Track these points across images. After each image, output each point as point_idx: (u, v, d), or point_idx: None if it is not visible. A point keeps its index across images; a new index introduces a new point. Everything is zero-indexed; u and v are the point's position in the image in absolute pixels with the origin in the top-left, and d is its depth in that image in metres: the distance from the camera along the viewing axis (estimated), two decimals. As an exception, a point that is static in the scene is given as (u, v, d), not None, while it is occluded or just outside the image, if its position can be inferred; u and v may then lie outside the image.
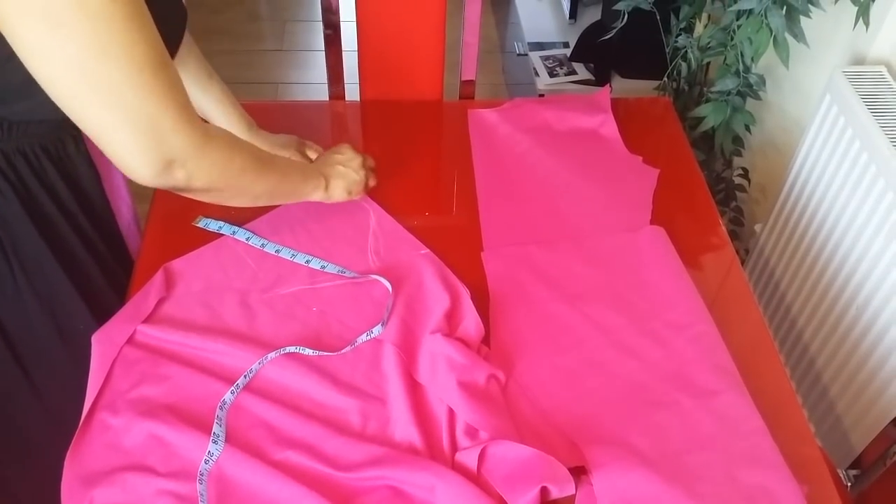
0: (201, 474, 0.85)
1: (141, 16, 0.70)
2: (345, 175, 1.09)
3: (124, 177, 1.06)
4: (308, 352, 0.98)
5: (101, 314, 1.00)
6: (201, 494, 0.83)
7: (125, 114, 0.72)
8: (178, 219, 1.15)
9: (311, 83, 2.67)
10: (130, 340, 0.98)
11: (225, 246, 1.11)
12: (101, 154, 0.78)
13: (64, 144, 0.94)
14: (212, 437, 0.88)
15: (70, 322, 1.01)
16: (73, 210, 0.97)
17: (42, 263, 0.96)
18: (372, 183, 1.16)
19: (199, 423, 0.89)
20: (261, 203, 0.99)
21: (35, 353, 1.02)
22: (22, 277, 0.95)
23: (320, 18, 1.43)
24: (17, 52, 0.68)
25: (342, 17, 1.43)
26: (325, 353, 0.98)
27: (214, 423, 0.89)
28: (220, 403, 0.91)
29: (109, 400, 0.92)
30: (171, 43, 0.88)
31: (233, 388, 0.93)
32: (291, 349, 0.97)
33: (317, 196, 1.06)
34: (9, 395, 1.04)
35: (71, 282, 0.99)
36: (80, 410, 0.90)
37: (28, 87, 0.70)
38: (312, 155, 1.20)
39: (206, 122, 0.85)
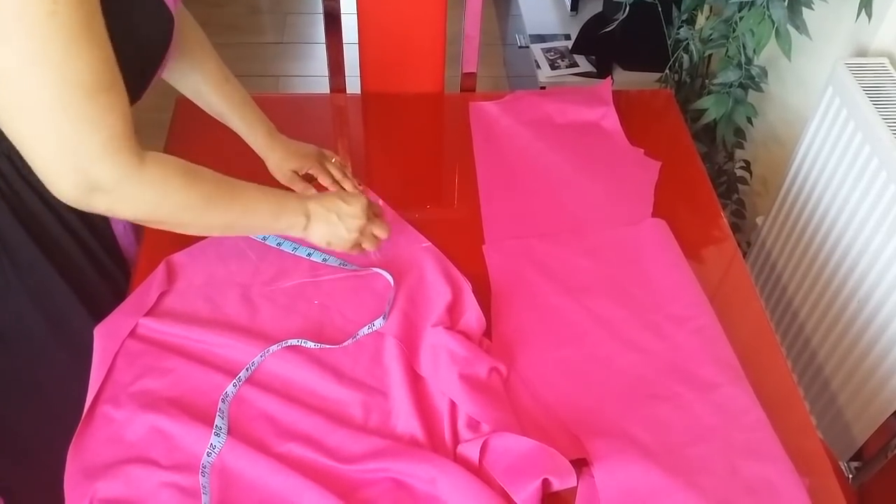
0: (204, 467, 0.85)
1: (86, 35, 0.68)
2: (333, 225, 0.97)
3: None
4: (310, 344, 0.98)
5: (96, 310, 0.99)
6: (204, 487, 0.83)
7: (49, 133, 0.71)
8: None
9: (312, 76, 2.67)
10: (133, 334, 0.98)
11: (226, 239, 1.11)
12: None
13: None
14: (214, 430, 0.88)
15: (65, 319, 1.00)
16: (62, 210, 0.96)
17: (34, 263, 0.95)
18: (368, 247, 1.03)
19: (202, 416, 0.90)
20: (213, 234, 0.96)
21: (30, 351, 1.02)
22: (14, 278, 0.95)
23: (321, 11, 1.43)
24: None
25: (343, 9, 1.42)
26: (327, 346, 0.98)
27: (217, 416, 0.89)
28: (222, 396, 0.91)
29: (112, 393, 0.92)
30: (153, 49, 0.87)
31: (235, 380, 0.93)
32: (293, 342, 0.97)
33: (293, 233, 0.97)
34: (5, 396, 1.04)
35: (64, 280, 0.99)
36: (80, 408, 0.90)
37: None
38: (333, 170, 1.17)
39: (163, 152, 0.82)
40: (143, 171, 0.78)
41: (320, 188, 1.15)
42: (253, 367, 0.95)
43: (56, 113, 0.70)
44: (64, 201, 0.76)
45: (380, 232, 1.02)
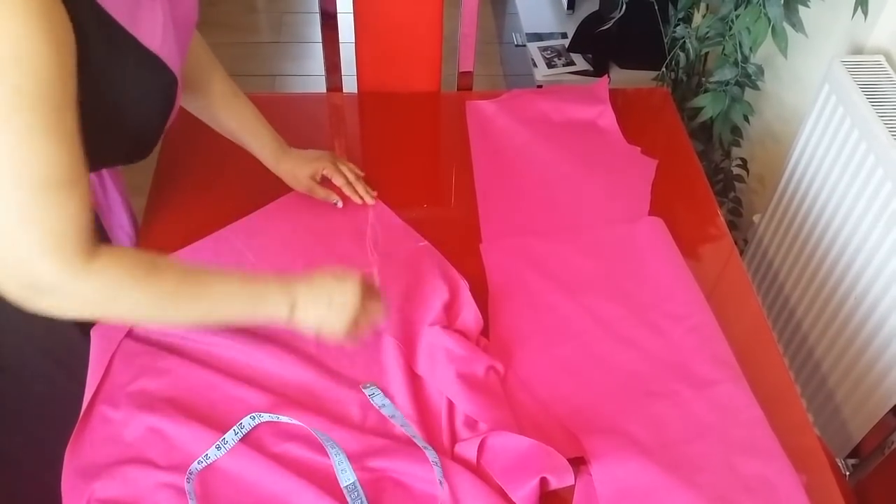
0: (190, 473, 0.85)
1: (49, 126, 0.64)
2: (324, 309, 0.87)
3: (117, 183, 1.04)
4: (284, 419, 0.90)
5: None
6: (189, 493, 0.83)
7: None
8: (175, 212, 1.15)
9: (309, 75, 2.66)
10: (129, 334, 0.98)
11: (223, 239, 1.11)
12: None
13: None
14: (218, 442, 0.87)
15: (71, 355, 0.98)
16: None
17: None
18: (364, 326, 0.92)
19: (199, 416, 0.90)
20: (184, 328, 0.89)
21: (38, 391, 1.00)
22: (19, 314, 0.94)
23: (317, 10, 1.43)
24: None
25: (339, 8, 1.42)
26: (298, 423, 0.90)
27: (231, 431, 0.88)
28: (236, 427, 0.89)
29: (109, 393, 0.92)
30: (158, 118, 0.85)
31: (219, 442, 0.88)
32: (266, 417, 0.90)
33: (277, 322, 0.87)
34: (7, 425, 1.03)
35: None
36: (75, 417, 0.89)
37: None
38: (347, 172, 1.17)
39: (108, 247, 0.76)
40: (88, 270, 0.73)
41: (335, 188, 1.16)
42: (241, 432, 0.90)
43: None
44: (12, 299, 0.72)
45: (375, 307, 0.92)
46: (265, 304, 0.86)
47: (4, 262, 0.70)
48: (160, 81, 0.83)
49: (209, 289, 0.83)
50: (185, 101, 1.05)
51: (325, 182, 1.17)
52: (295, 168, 1.13)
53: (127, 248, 0.78)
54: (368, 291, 0.91)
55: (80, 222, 0.71)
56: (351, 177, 1.17)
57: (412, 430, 0.90)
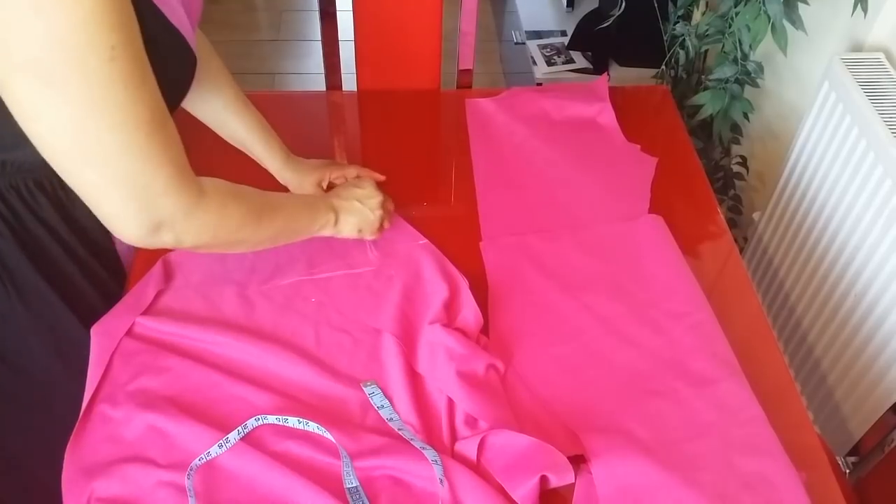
0: (191, 469, 0.85)
1: (141, 75, 0.67)
2: (359, 212, 1.03)
3: None
4: (292, 421, 0.91)
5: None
6: (189, 490, 0.83)
7: (115, 175, 0.70)
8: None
9: (308, 73, 2.66)
10: (129, 332, 0.98)
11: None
12: None
13: (59, 178, 0.91)
14: (222, 441, 0.87)
15: (74, 351, 0.98)
16: (70, 242, 0.95)
17: (42, 296, 0.94)
18: (386, 225, 1.08)
19: (200, 415, 0.90)
20: (261, 248, 0.95)
21: (40, 386, 1.00)
22: (23, 311, 0.94)
23: (316, 8, 1.43)
24: (7, 105, 0.65)
25: (339, 6, 1.42)
26: (305, 429, 0.91)
27: (236, 430, 0.88)
28: (240, 427, 0.89)
29: (109, 392, 0.92)
30: (179, 91, 0.86)
31: (238, 428, 0.89)
32: (273, 419, 0.91)
33: (325, 232, 1.00)
34: (9, 423, 1.03)
35: (74, 314, 0.98)
36: (76, 420, 0.89)
37: (24, 137, 0.68)
38: (352, 172, 1.16)
39: (206, 177, 0.82)
40: (203, 198, 0.78)
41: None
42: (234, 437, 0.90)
43: (119, 156, 0.69)
44: (129, 242, 0.76)
45: (391, 206, 1.10)
46: (317, 217, 0.98)
47: (132, 207, 0.72)
48: (186, 61, 0.84)
49: (281, 207, 0.93)
50: (195, 105, 1.05)
51: (331, 189, 1.16)
52: (300, 176, 1.13)
53: (213, 178, 0.83)
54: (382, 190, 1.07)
55: (185, 155, 0.76)
56: (358, 171, 1.16)
57: (410, 433, 0.90)
